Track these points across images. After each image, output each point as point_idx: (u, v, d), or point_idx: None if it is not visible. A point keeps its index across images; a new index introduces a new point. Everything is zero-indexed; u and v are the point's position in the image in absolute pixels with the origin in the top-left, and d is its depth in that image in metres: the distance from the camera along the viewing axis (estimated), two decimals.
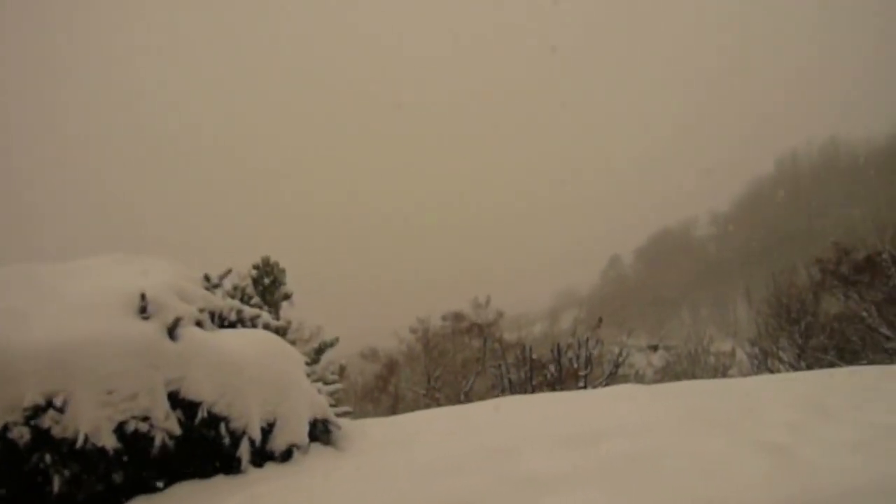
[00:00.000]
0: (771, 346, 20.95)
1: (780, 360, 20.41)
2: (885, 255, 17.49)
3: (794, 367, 19.34)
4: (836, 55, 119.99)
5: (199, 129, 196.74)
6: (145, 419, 4.27)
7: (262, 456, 4.86)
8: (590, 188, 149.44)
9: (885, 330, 16.98)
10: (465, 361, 26.99)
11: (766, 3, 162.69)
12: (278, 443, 4.90)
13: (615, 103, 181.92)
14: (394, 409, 24.27)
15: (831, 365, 17.74)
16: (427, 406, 22.48)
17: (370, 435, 5.76)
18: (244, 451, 4.72)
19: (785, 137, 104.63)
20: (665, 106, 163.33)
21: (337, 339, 13.86)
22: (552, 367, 12.38)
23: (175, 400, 4.47)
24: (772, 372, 19.32)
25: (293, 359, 5.47)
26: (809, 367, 18.44)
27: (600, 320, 13.55)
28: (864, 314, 17.96)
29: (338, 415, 6.01)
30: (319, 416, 5.34)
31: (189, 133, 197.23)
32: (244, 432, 4.74)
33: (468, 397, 23.79)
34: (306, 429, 5.09)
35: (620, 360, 13.31)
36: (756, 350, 21.70)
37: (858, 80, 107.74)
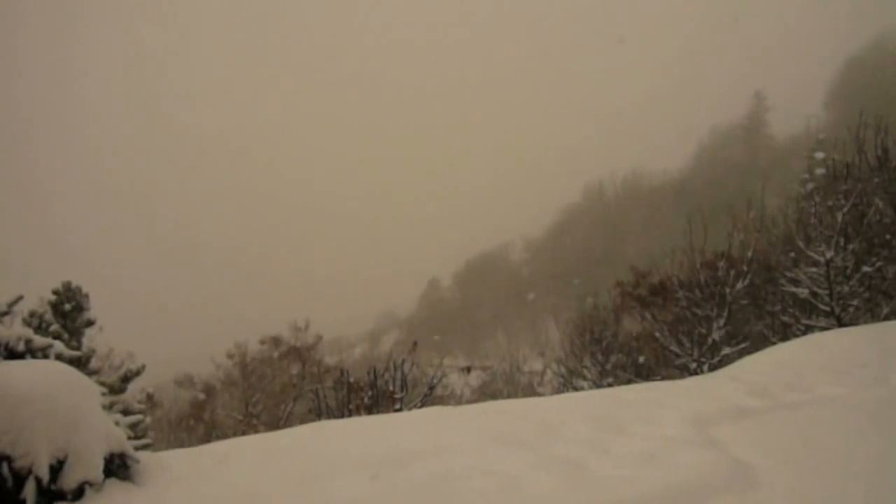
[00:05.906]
0: (576, 365, 22.21)
1: (584, 378, 21.65)
2: (674, 279, 19.17)
3: (597, 385, 20.59)
4: (638, 97, 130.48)
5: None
6: None
7: (50, 496, 4.56)
8: (417, 209, 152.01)
9: (674, 348, 18.57)
10: (284, 386, 26.61)
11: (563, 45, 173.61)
12: (69, 481, 4.62)
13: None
14: (209, 438, 23.32)
15: (629, 381, 19.13)
16: (244, 433, 21.83)
17: (173, 467, 5.55)
18: (29, 491, 4.41)
19: (592, 169, 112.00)
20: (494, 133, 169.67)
21: (143, 367, 13.18)
22: (369, 391, 12.50)
23: None
24: (576, 389, 20.47)
25: (87, 391, 5.18)
26: (610, 385, 19.73)
27: (415, 344, 13.89)
28: (657, 334, 19.56)
29: (137, 447, 5.75)
30: (116, 450, 5.09)
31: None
32: (30, 471, 4.43)
33: (287, 422, 23.38)
34: (101, 464, 4.83)
35: (435, 381, 13.69)
36: (562, 369, 22.92)
37: (657, 118, 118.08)
